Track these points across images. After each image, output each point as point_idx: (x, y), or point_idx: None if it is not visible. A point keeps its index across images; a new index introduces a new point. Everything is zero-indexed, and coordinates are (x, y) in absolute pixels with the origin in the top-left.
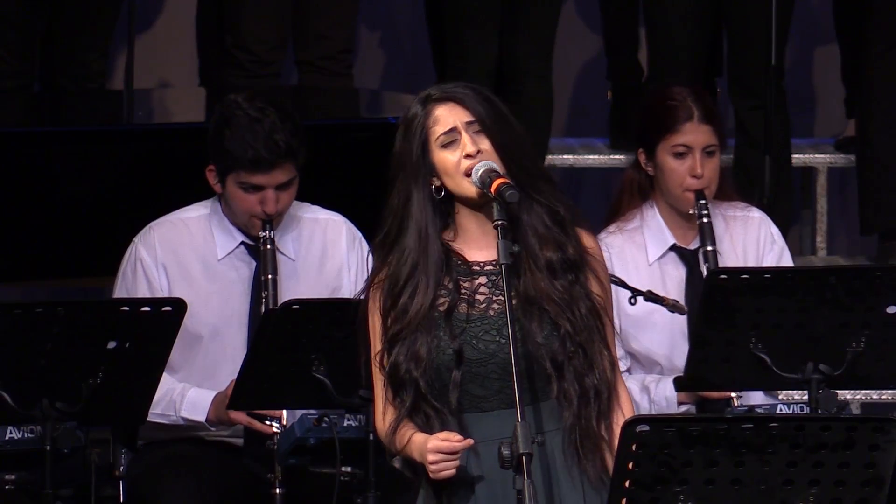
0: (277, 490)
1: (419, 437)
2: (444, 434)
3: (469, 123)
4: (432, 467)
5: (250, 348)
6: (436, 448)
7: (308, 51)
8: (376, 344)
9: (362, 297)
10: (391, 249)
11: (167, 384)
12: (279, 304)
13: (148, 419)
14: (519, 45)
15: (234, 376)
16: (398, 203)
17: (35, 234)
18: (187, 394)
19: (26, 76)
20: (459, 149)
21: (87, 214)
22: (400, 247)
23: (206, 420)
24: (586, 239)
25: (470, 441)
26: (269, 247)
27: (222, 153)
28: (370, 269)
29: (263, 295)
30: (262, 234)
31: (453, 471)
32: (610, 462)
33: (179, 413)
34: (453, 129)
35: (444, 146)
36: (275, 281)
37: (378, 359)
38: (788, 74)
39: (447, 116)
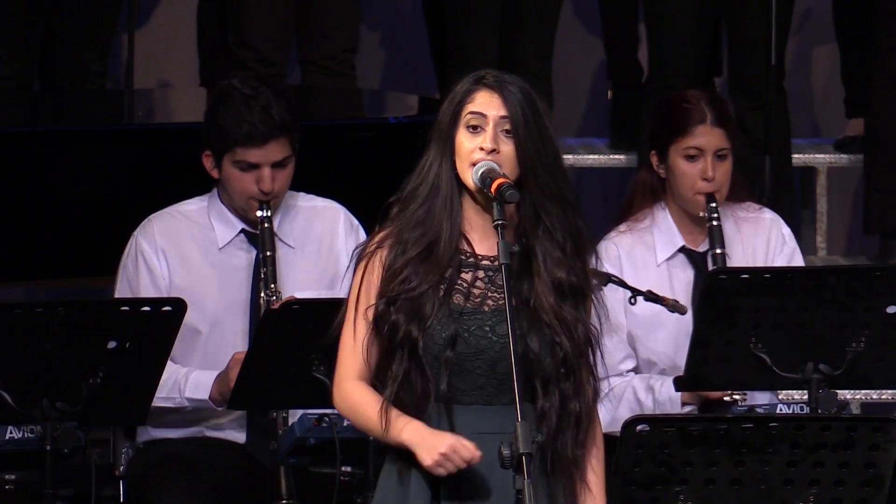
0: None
1: (418, 424)
2: (465, 440)
3: (501, 119)
4: (438, 458)
5: (250, 348)
6: (455, 448)
7: (311, 50)
8: (368, 299)
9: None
10: (409, 210)
11: (171, 369)
12: (277, 287)
13: (154, 404)
14: (519, 44)
15: None
16: (429, 165)
17: (35, 234)
18: (191, 376)
19: (26, 76)
20: (479, 138)
21: (88, 214)
22: (423, 209)
23: (210, 398)
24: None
25: (480, 458)
26: (266, 226)
27: (217, 132)
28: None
29: (263, 271)
30: (259, 213)
31: (445, 472)
32: (580, 490)
33: (184, 395)
34: (483, 116)
35: (468, 127)
36: (273, 258)
37: (372, 315)
38: (788, 74)
39: (485, 103)
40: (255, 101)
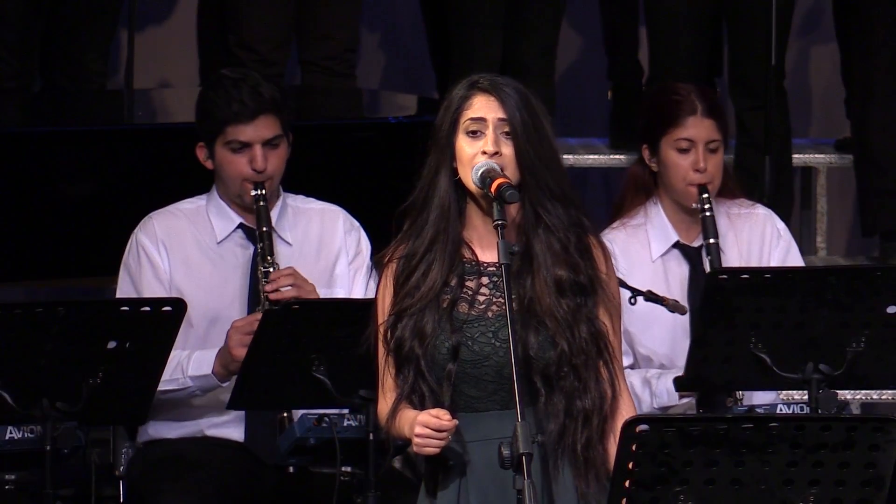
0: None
1: (410, 413)
2: (434, 410)
3: (500, 122)
4: (417, 440)
5: (251, 348)
6: (424, 422)
7: (311, 51)
8: (383, 315)
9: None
10: (414, 221)
11: (173, 353)
12: (274, 259)
13: (159, 388)
14: (522, 44)
15: None
16: (427, 174)
17: (35, 234)
18: (193, 356)
19: (26, 76)
20: (480, 142)
21: (87, 214)
22: (422, 219)
23: (213, 372)
24: (601, 262)
25: (455, 422)
26: (262, 203)
27: (207, 115)
28: (392, 241)
29: (259, 246)
30: (253, 192)
31: (437, 449)
32: (594, 481)
33: (187, 373)
34: (483, 120)
35: (468, 133)
36: (270, 234)
37: (382, 331)
38: (788, 74)
39: (483, 107)
40: (243, 82)
